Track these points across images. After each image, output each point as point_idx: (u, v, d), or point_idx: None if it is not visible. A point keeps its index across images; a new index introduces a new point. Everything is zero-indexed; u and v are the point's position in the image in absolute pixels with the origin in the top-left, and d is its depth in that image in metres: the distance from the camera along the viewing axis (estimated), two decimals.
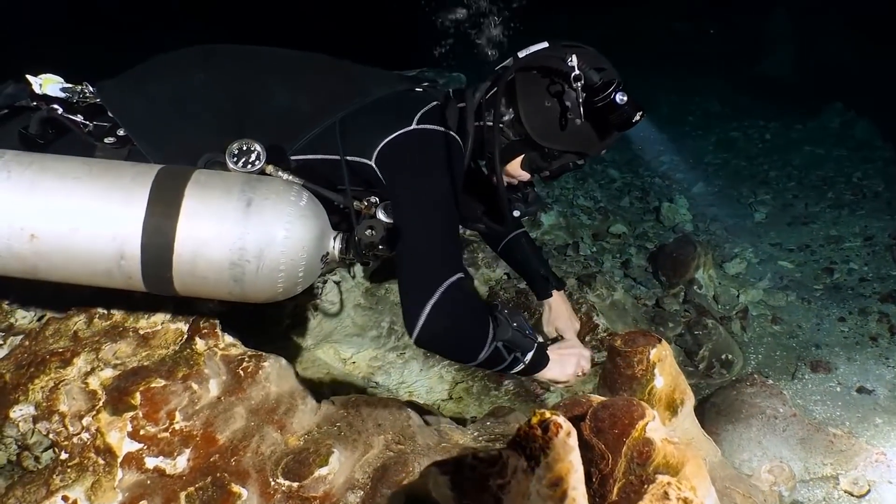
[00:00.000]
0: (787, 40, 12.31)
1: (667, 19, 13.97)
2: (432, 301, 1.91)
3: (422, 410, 2.72)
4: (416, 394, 3.60)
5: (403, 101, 2.16)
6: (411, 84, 2.28)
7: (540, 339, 2.38)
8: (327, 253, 1.98)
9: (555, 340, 2.73)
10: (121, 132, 2.06)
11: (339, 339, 3.33)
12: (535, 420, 1.08)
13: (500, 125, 2.16)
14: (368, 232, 1.92)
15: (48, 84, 2.13)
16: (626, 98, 2.01)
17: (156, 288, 1.86)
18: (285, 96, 2.13)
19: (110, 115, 2.10)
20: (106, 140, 2.04)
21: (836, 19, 11.34)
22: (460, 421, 3.70)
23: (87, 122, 2.09)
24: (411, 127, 2.03)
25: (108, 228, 1.73)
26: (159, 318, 2.41)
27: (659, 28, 13.92)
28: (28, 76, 2.14)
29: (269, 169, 1.94)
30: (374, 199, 2.10)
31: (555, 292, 2.83)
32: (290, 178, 1.96)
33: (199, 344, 2.31)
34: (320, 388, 3.24)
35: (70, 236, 1.72)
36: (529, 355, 2.28)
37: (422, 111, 2.09)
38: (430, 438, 2.44)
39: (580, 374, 2.53)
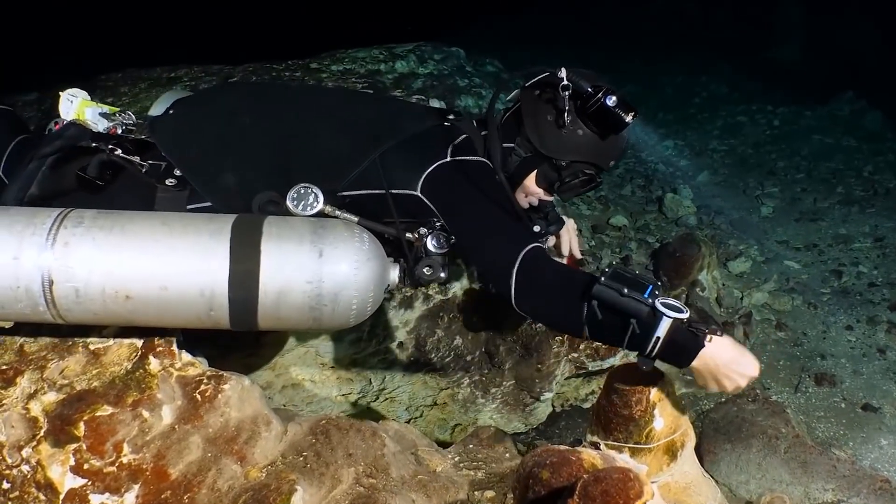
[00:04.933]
0: (798, 25, 11.97)
1: (677, 1, 13.66)
2: (517, 265, 2.02)
3: (400, 431, 2.53)
4: (398, 400, 3.42)
5: (436, 136, 2.35)
6: (439, 118, 2.43)
7: (678, 314, 1.91)
8: (388, 284, 2.18)
9: None
10: (177, 172, 2.22)
11: (315, 343, 3.13)
12: None
13: (514, 145, 2.37)
14: (427, 270, 2.19)
15: (86, 108, 2.32)
16: (615, 99, 2.16)
17: (242, 328, 2.02)
18: (328, 138, 2.31)
19: (164, 155, 2.26)
20: (167, 182, 2.21)
21: (850, 4, 11.00)
22: (443, 428, 3.53)
23: (144, 163, 2.22)
24: (447, 159, 2.25)
25: (195, 286, 1.89)
26: (112, 331, 2.20)
27: (669, 10, 13.59)
28: (60, 93, 2.33)
29: (327, 209, 2.12)
30: (422, 230, 2.23)
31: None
32: (347, 216, 2.14)
33: (154, 364, 2.12)
34: (293, 399, 3.06)
35: (161, 295, 1.88)
36: (661, 326, 1.88)
37: (454, 143, 2.31)
38: (406, 469, 2.27)
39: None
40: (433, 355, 3.42)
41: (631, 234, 5.45)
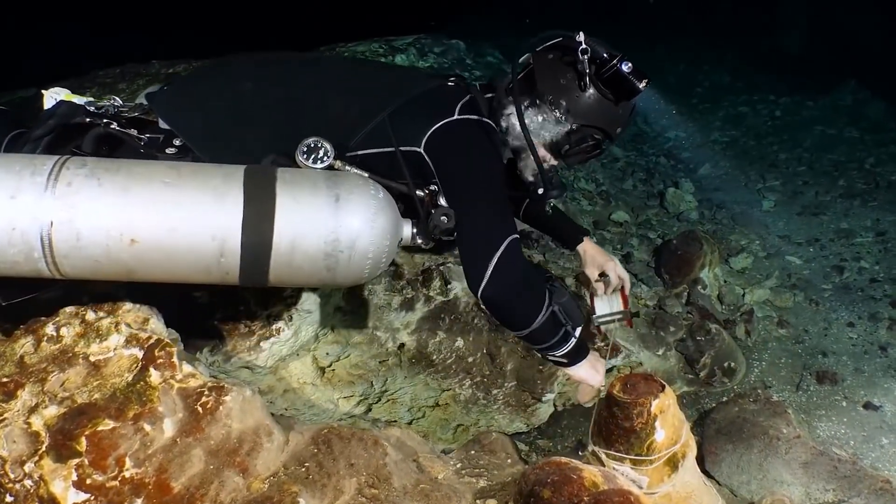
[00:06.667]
0: (802, 12, 11.84)
1: None
2: (497, 256, 2.09)
3: (401, 439, 2.54)
4: (400, 401, 3.42)
5: (442, 94, 2.35)
6: (442, 80, 2.43)
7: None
8: (401, 238, 2.13)
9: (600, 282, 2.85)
10: (177, 142, 2.17)
11: (317, 348, 3.13)
12: None
13: (525, 105, 2.33)
14: (443, 219, 2.13)
15: (72, 100, 2.24)
16: (630, 66, 2.17)
17: (249, 281, 1.93)
18: (335, 101, 2.27)
19: (164, 127, 2.21)
20: (167, 150, 2.15)
21: None
22: (445, 429, 3.53)
23: (141, 136, 2.18)
24: (454, 117, 2.23)
25: (206, 229, 1.80)
26: (112, 342, 2.20)
27: None
28: (44, 91, 2.28)
29: (337, 164, 2.08)
30: (434, 187, 2.22)
31: (585, 238, 2.92)
32: (358, 171, 2.09)
33: (154, 376, 2.11)
34: (294, 403, 3.06)
35: (169, 239, 1.78)
36: (577, 333, 2.33)
37: (461, 103, 2.28)
38: (408, 478, 2.26)
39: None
40: (435, 357, 3.41)
41: (632, 230, 5.44)
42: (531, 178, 2.48)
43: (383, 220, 1.96)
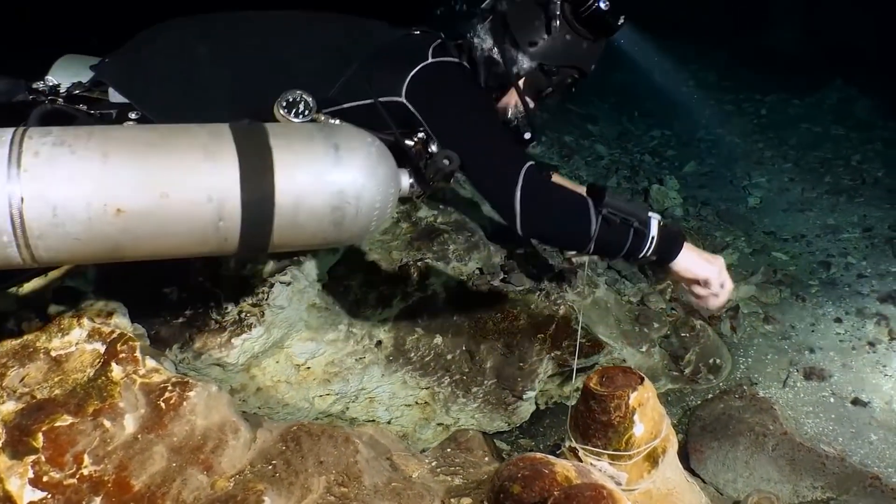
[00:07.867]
0: (794, 9, 11.77)
1: None
2: (518, 187, 2.04)
3: (374, 437, 2.47)
4: (378, 400, 3.35)
5: (412, 41, 2.30)
6: (408, 30, 2.40)
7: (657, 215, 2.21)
8: (400, 188, 2.05)
9: None
10: (133, 115, 2.03)
11: (291, 344, 3.05)
12: None
13: (501, 49, 2.31)
14: (445, 162, 2.06)
15: None
16: (608, 3, 2.18)
17: (249, 247, 1.76)
18: (305, 55, 2.20)
19: (115, 101, 2.07)
20: (125, 124, 1.99)
21: None
22: (424, 428, 3.46)
23: (92, 112, 2.02)
24: (428, 61, 2.18)
25: (201, 191, 1.62)
26: (74, 336, 2.15)
27: None
28: None
29: (321, 118, 2.00)
30: (422, 134, 2.16)
31: (554, 173, 2.86)
32: (341, 123, 1.99)
33: (116, 371, 2.05)
34: (268, 402, 2.98)
35: (160, 205, 1.59)
36: (653, 226, 2.16)
37: (432, 46, 2.24)
38: (380, 476, 2.20)
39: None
40: (413, 354, 3.34)
41: None
42: (511, 124, 2.44)
43: (385, 168, 1.87)
